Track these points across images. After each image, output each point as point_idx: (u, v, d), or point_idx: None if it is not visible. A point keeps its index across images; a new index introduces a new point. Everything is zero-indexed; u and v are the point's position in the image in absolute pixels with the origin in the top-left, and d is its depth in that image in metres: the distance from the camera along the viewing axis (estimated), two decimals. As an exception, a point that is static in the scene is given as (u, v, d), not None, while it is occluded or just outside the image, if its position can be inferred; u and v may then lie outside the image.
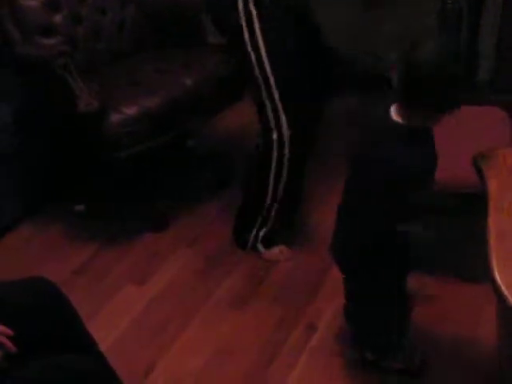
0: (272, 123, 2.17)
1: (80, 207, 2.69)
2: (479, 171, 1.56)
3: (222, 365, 1.98)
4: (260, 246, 2.41)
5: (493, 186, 1.46)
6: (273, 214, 2.34)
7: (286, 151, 2.19)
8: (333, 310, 2.10)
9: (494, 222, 1.36)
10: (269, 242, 2.41)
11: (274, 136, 2.18)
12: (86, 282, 2.35)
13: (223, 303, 2.20)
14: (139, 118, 2.37)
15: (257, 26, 2.06)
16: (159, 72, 2.58)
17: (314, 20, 2.40)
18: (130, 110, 2.36)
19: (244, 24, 2.06)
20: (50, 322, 1.39)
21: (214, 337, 2.07)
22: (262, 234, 2.39)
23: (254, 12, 2.05)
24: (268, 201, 2.31)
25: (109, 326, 2.13)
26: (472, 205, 1.91)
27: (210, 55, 2.65)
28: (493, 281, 1.23)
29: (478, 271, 1.27)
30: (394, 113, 1.52)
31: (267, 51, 2.08)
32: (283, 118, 2.14)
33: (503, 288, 1.20)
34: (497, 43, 3.06)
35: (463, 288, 2.13)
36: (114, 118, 2.33)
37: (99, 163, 2.61)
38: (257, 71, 2.10)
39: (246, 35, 2.07)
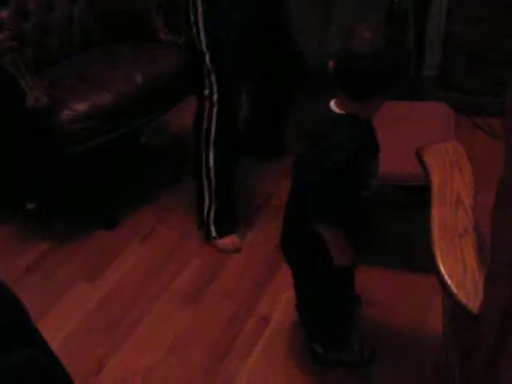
0: (205, 83, 2.28)
1: (31, 205, 2.65)
2: (423, 164, 1.59)
3: (175, 361, 1.98)
4: (213, 230, 2.43)
5: (436, 178, 1.50)
6: (213, 186, 2.39)
7: (213, 125, 2.31)
8: (285, 302, 2.12)
9: (436, 214, 1.39)
10: (221, 229, 2.44)
11: (206, 92, 2.29)
12: (38, 279, 2.33)
13: (175, 299, 2.21)
14: (90, 115, 2.35)
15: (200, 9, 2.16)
16: (110, 68, 2.56)
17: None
18: (81, 106, 2.33)
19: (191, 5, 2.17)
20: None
21: (167, 333, 2.07)
22: (212, 213, 2.42)
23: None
24: (204, 171, 2.37)
25: (60, 324, 2.12)
26: (419, 197, 1.95)
27: (160, 51, 2.65)
28: (436, 271, 1.27)
29: (426, 262, 1.30)
30: (333, 104, 1.53)
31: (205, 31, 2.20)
32: (213, 77, 2.26)
33: (446, 277, 1.24)
34: (443, 40, 3.13)
35: (413, 279, 2.18)
36: (64, 114, 2.31)
37: (50, 160, 2.58)
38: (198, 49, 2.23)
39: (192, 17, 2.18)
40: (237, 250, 2.42)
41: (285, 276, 2.22)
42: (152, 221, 2.59)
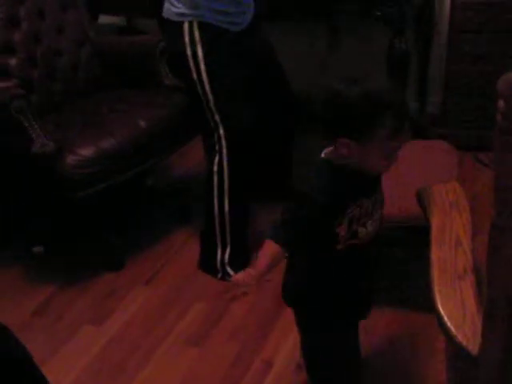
0: (216, 148, 2.35)
1: (38, 249, 2.68)
2: (422, 206, 1.61)
3: (181, 403, 1.99)
4: (230, 270, 2.45)
5: (435, 220, 1.52)
6: (228, 230, 2.42)
7: (226, 174, 2.36)
8: (289, 345, 2.12)
9: (436, 255, 1.40)
10: (239, 265, 2.39)
11: (216, 160, 2.36)
12: (45, 322, 2.34)
13: (181, 341, 2.21)
14: (95, 159, 2.39)
15: (202, 63, 2.22)
16: (114, 113, 2.61)
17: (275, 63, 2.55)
18: (86, 151, 2.37)
19: (189, 49, 2.22)
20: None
21: (172, 375, 2.07)
22: (227, 255, 2.45)
23: (198, 37, 2.20)
24: (217, 218, 2.40)
25: (67, 367, 2.13)
26: (422, 237, 1.96)
27: (164, 96, 2.70)
28: (436, 313, 1.27)
29: (428, 301, 1.31)
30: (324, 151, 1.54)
31: (211, 88, 2.26)
32: (224, 144, 2.33)
33: (446, 319, 1.25)
34: (444, 79, 3.17)
35: (415, 318, 2.17)
36: (70, 159, 2.34)
37: (56, 204, 2.61)
38: (205, 106, 2.28)
39: (194, 70, 2.24)
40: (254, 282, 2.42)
41: (290, 318, 2.22)
42: (157, 262, 2.61)
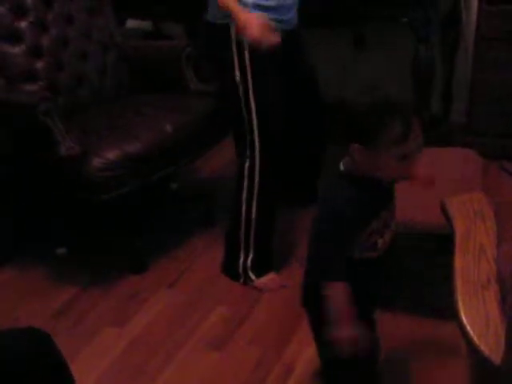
0: (247, 152, 2.36)
1: (62, 250, 2.71)
2: (446, 215, 1.60)
3: (201, 406, 1.99)
4: (252, 274, 2.47)
5: (459, 229, 1.51)
6: (252, 236, 2.43)
7: (256, 180, 2.37)
8: (311, 350, 2.10)
9: (459, 264, 1.40)
10: (261, 270, 2.47)
11: (247, 164, 2.37)
12: (67, 324, 2.35)
13: (202, 344, 2.22)
14: (120, 163, 2.40)
15: (248, 67, 2.22)
16: (140, 117, 2.62)
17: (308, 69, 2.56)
18: (111, 155, 2.39)
19: (235, 51, 2.22)
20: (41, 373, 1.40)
21: (193, 378, 2.08)
22: (250, 261, 2.46)
23: (247, 55, 2.20)
24: (243, 222, 2.41)
25: (88, 369, 2.13)
26: (446, 245, 1.95)
27: (189, 100, 2.72)
28: (459, 322, 1.27)
29: (450, 309, 1.30)
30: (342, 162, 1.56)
31: (254, 91, 2.25)
32: (257, 149, 2.34)
33: (468, 329, 1.24)
34: (470, 87, 3.15)
35: (437, 326, 2.16)
36: (95, 162, 2.36)
37: (81, 206, 2.64)
38: (243, 110, 2.29)
39: (238, 75, 2.24)
40: (279, 287, 2.45)
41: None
42: (180, 266, 2.62)
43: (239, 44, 2.20)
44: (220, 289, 2.49)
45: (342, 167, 1.56)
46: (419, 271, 2.38)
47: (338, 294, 1.50)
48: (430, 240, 2.24)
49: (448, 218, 1.58)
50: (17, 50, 2.60)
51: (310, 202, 2.77)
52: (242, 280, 2.49)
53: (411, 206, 2.03)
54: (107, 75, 2.92)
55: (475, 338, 1.21)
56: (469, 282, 1.35)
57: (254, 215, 2.41)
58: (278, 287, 2.45)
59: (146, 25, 3.89)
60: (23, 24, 2.63)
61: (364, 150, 1.47)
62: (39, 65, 2.67)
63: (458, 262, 1.41)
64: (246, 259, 2.47)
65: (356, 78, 3.41)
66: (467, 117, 3.21)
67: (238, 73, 2.25)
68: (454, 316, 1.28)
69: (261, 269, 2.48)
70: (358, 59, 3.50)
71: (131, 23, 3.73)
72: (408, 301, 2.27)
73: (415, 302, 2.27)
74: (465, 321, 1.25)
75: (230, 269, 2.52)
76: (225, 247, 2.56)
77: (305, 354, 2.12)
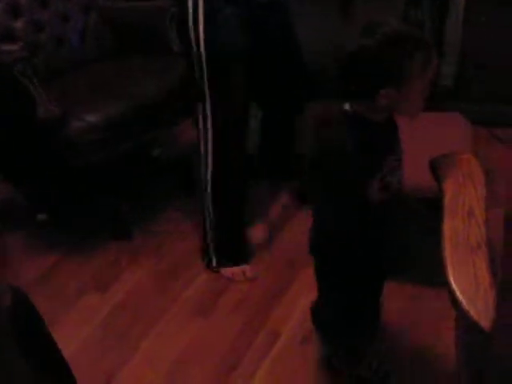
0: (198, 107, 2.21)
1: (42, 216, 2.65)
2: (436, 175, 1.56)
3: (183, 373, 1.96)
4: (213, 257, 2.35)
5: (448, 191, 1.47)
6: (211, 215, 2.31)
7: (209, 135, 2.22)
8: (296, 316, 2.10)
9: (448, 228, 1.36)
10: (225, 257, 2.36)
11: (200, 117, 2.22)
12: (49, 290, 2.32)
13: (185, 312, 2.18)
14: (101, 126, 2.34)
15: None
16: (121, 79, 2.56)
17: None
18: (92, 117, 2.33)
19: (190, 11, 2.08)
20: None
21: (176, 345, 2.05)
22: (212, 241, 2.34)
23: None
24: (204, 198, 2.30)
25: (70, 335, 2.10)
26: (435, 210, 1.92)
27: (173, 64, 2.63)
28: (448, 287, 1.23)
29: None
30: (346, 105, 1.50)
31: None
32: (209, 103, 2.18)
33: (458, 294, 1.21)
34: (460, 51, 3.10)
35: (434, 293, 2.13)
36: (76, 125, 2.30)
37: (61, 171, 2.57)
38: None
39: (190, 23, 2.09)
40: (248, 279, 2.32)
41: (298, 289, 2.20)
42: (163, 234, 2.57)
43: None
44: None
45: (347, 108, 1.49)
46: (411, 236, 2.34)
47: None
48: (421, 204, 2.20)
49: (437, 178, 1.54)
50: (-7, 8, 2.51)
51: (287, 176, 2.77)
52: (205, 261, 2.38)
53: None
54: (88, 37, 2.83)
55: (464, 303, 1.18)
56: (458, 246, 1.31)
57: (209, 190, 2.28)
58: (246, 279, 2.33)
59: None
60: (0, -18, 2.53)
61: (392, 92, 1.39)
62: (17, 24, 2.58)
63: (447, 225, 1.37)
64: (210, 240, 2.35)
65: (342, 41, 3.34)
66: (456, 81, 3.15)
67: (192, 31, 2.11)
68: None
69: (226, 255, 2.36)
70: (344, 22, 3.43)
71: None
72: (401, 267, 2.23)
73: (414, 270, 2.22)
74: (454, 286, 1.22)
75: (201, 246, 2.42)
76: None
77: (290, 321, 2.10)
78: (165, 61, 2.68)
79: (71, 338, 2.09)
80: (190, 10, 2.09)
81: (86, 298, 2.27)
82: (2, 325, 1.25)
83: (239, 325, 2.11)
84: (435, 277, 2.10)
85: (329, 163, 1.49)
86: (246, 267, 2.34)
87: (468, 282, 1.22)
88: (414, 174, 2.02)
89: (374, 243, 1.57)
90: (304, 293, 2.13)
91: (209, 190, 2.28)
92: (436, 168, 1.57)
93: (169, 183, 2.91)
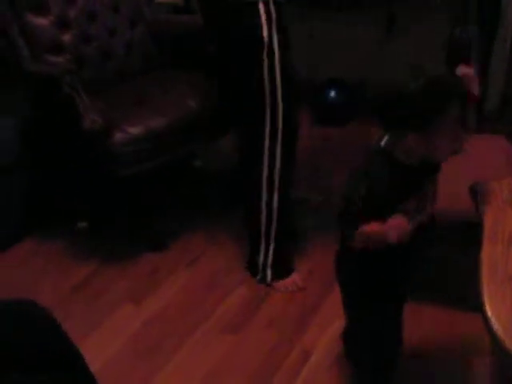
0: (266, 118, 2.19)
1: (82, 224, 2.69)
2: (476, 202, 1.54)
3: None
4: (269, 272, 2.35)
5: (488, 217, 1.45)
6: (274, 228, 2.30)
7: (279, 147, 2.21)
8: (328, 336, 2.08)
9: (486, 254, 1.34)
10: (281, 270, 2.36)
11: (267, 128, 2.20)
12: (85, 299, 2.35)
13: (219, 326, 2.18)
14: (143, 138, 2.38)
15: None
16: (165, 92, 2.59)
17: None
18: (135, 130, 2.37)
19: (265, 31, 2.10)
20: (37, 345, 1.37)
21: (208, 360, 2.05)
22: (270, 255, 2.34)
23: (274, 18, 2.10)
24: (265, 213, 2.29)
25: (103, 345, 2.12)
26: (473, 234, 1.89)
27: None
28: (483, 315, 1.21)
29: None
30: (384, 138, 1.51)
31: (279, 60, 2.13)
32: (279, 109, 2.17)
33: (493, 322, 1.18)
34: (506, 73, 3.05)
35: (465, 319, 2.09)
36: (119, 136, 2.34)
37: (103, 181, 2.61)
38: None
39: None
40: (300, 290, 2.33)
41: (331, 308, 2.18)
42: (201, 246, 2.58)
43: (269, 21, 2.10)
44: (239, 270, 2.44)
45: (382, 145, 1.50)
46: (444, 259, 2.30)
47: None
48: (457, 228, 2.17)
49: (477, 206, 1.51)
50: (43, 21, 2.56)
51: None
52: (258, 277, 2.37)
53: (440, 193, 1.97)
54: (135, 50, 2.87)
55: (500, 333, 1.16)
56: (496, 274, 1.29)
57: (275, 205, 2.27)
58: (298, 289, 2.34)
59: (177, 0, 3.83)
60: (51, -5, 2.59)
61: (420, 137, 1.42)
62: (66, 37, 2.63)
63: (486, 252, 1.35)
64: (266, 253, 2.34)
65: (386, 62, 3.33)
66: (502, 104, 3.11)
67: (267, 51, 2.12)
68: (479, 307, 1.22)
69: (281, 268, 2.35)
70: (391, 41, 3.42)
71: (162, -2, 3.68)
72: (432, 290, 2.20)
73: (440, 292, 2.21)
74: (490, 314, 1.20)
75: (250, 262, 2.42)
76: (248, 238, 2.42)
77: (322, 341, 2.08)
78: (209, 75, 2.70)
79: (104, 348, 2.11)
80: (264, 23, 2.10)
81: (120, 309, 2.28)
82: None
83: (271, 342, 2.10)
84: (468, 302, 2.09)
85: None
86: (295, 276, 2.35)
87: (504, 311, 1.20)
88: (453, 197, 2.00)
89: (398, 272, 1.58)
90: (338, 312, 2.09)
91: (275, 202, 2.27)
92: (476, 193, 1.54)
93: (209, 194, 2.92)
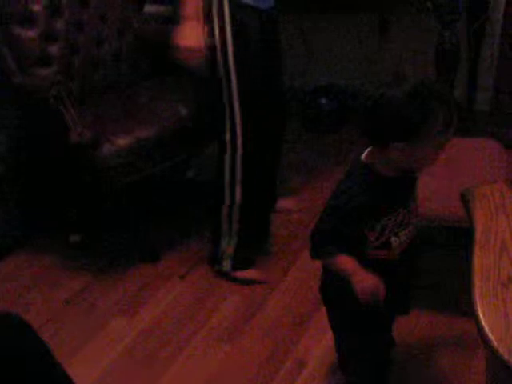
0: (226, 125, 2.23)
1: (75, 237, 2.67)
2: (467, 207, 1.53)
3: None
4: (227, 263, 2.39)
5: (479, 222, 1.43)
6: (234, 221, 2.34)
7: (239, 152, 2.25)
8: (323, 346, 2.06)
9: (478, 260, 1.33)
10: (240, 262, 2.40)
11: (227, 137, 2.24)
12: (77, 312, 2.33)
13: (213, 337, 2.17)
14: (132, 149, 2.35)
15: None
16: (154, 102, 2.57)
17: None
18: (123, 141, 2.34)
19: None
20: (14, 359, 1.35)
21: (203, 371, 2.04)
22: (231, 250, 2.38)
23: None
24: (226, 205, 2.33)
25: (97, 358, 2.11)
26: (465, 239, 1.88)
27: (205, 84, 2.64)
28: (477, 323, 1.20)
29: (470, 306, 1.24)
30: (365, 151, 1.50)
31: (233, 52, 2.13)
32: (237, 118, 2.21)
33: (487, 331, 1.17)
34: (495, 75, 3.05)
35: (457, 323, 2.09)
36: (107, 149, 2.31)
37: (93, 193, 2.60)
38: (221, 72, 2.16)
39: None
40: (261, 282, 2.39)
41: (325, 319, 2.14)
42: (193, 256, 2.56)
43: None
44: (231, 282, 2.42)
45: (362, 158, 1.49)
46: (435, 264, 2.30)
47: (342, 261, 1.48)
48: (449, 233, 2.16)
49: (468, 212, 1.50)
50: (30, 33, 2.53)
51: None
52: (216, 268, 2.43)
53: (431, 197, 1.96)
54: (123, 60, 2.86)
55: (494, 341, 1.15)
56: (488, 281, 1.27)
57: (237, 197, 2.31)
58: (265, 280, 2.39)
59: (165, 10, 3.82)
60: (37, 7, 2.55)
61: (404, 147, 1.38)
62: (53, 49, 2.61)
63: (477, 260, 1.33)
64: (227, 247, 2.39)
65: (381, 65, 3.33)
66: (491, 106, 3.10)
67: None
68: (472, 313, 1.21)
69: (240, 261, 2.40)
70: (382, 45, 3.42)
71: (150, 8, 3.66)
72: (430, 296, 2.19)
73: (432, 297, 2.20)
74: (483, 322, 1.18)
75: (210, 254, 2.46)
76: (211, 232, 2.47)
77: (317, 350, 2.06)
78: (197, 84, 2.69)
79: (98, 361, 2.09)
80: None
81: (114, 322, 2.26)
82: None
83: (266, 352, 2.08)
84: (457, 305, 2.09)
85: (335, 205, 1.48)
86: (253, 271, 2.41)
87: (498, 319, 1.18)
88: (444, 201, 1.99)
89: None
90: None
91: (238, 174, 2.29)
92: (467, 199, 1.53)
93: (201, 205, 2.89)
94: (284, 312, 2.26)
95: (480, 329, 1.18)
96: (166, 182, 2.87)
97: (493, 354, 1.15)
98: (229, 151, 2.26)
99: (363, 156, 1.49)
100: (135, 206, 2.66)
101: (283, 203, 2.76)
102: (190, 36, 2.10)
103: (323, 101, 3.41)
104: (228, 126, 2.23)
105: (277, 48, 2.40)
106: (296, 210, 2.77)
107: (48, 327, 2.23)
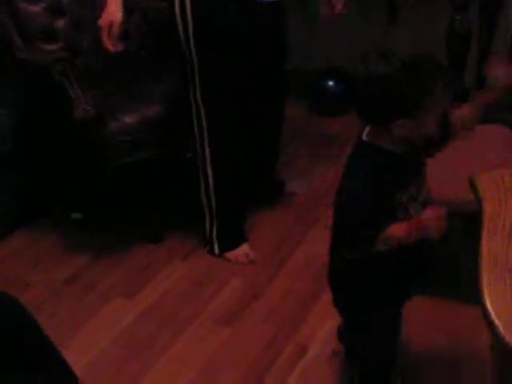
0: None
1: (76, 215, 2.65)
2: (475, 192, 1.49)
3: (209, 381, 1.93)
4: (216, 247, 2.41)
5: (487, 207, 1.40)
6: (214, 204, 2.36)
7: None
8: (325, 331, 2.04)
9: (486, 246, 1.30)
10: (229, 242, 2.41)
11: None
12: (77, 291, 2.31)
13: (214, 319, 2.15)
14: (138, 127, 2.34)
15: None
16: (160, 80, 2.54)
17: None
18: (128, 119, 2.32)
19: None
20: (11, 341, 1.33)
21: (203, 353, 2.02)
22: (215, 232, 2.40)
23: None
24: (202, 190, 2.37)
25: (96, 338, 2.09)
26: (474, 225, 1.85)
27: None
28: (483, 308, 1.17)
29: (475, 293, 1.21)
30: (365, 130, 1.46)
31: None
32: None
33: (493, 316, 1.14)
34: (507, 57, 3.00)
35: (461, 310, 2.06)
36: (112, 126, 2.30)
37: (96, 172, 2.57)
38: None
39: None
40: (251, 262, 2.39)
41: (328, 304, 2.13)
42: (195, 239, 2.53)
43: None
44: (234, 263, 2.40)
45: (364, 138, 1.45)
46: (445, 252, 2.26)
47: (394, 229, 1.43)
48: (457, 219, 2.13)
49: (477, 197, 1.47)
50: (35, 7, 2.51)
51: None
52: (207, 248, 2.44)
53: (440, 183, 1.93)
54: (130, 38, 2.81)
55: (500, 328, 1.12)
56: (496, 266, 1.24)
57: (211, 181, 2.34)
58: (248, 262, 2.39)
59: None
60: (43, -19, 2.53)
61: (408, 123, 1.35)
62: (59, 24, 2.58)
63: (485, 245, 1.30)
64: (211, 230, 2.42)
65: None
66: (501, 93, 3.05)
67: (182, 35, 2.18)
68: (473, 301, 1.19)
69: (228, 240, 2.41)
70: (392, 30, 3.37)
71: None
72: (440, 283, 2.15)
73: (447, 285, 2.16)
74: (490, 308, 1.16)
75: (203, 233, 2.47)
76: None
77: (319, 335, 2.04)
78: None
79: (96, 341, 2.08)
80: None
81: (113, 302, 2.24)
82: None
83: (268, 335, 2.06)
84: (462, 291, 2.05)
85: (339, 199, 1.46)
86: (246, 247, 2.39)
87: (505, 305, 1.16)
88: (453, 187, 1.96)
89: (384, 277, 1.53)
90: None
91: (210, 179, 2.34)
92: (475, 184, 1.50)
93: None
94: (286, 297, 2.23)
95: (486, 315, 1.15)
96: (168, 163, 2.83)
97: (499, 340, 1.12)
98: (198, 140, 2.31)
99: (364, 135, 1.45)
100: (139, 186, 2.63)
101: (290, 186, 2.75)
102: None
103: (330, 83, 3.37)
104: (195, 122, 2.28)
105: (280, 43, 2.37)
106: (302, 192, 2.77)
107: (47, 306, 2.21)
